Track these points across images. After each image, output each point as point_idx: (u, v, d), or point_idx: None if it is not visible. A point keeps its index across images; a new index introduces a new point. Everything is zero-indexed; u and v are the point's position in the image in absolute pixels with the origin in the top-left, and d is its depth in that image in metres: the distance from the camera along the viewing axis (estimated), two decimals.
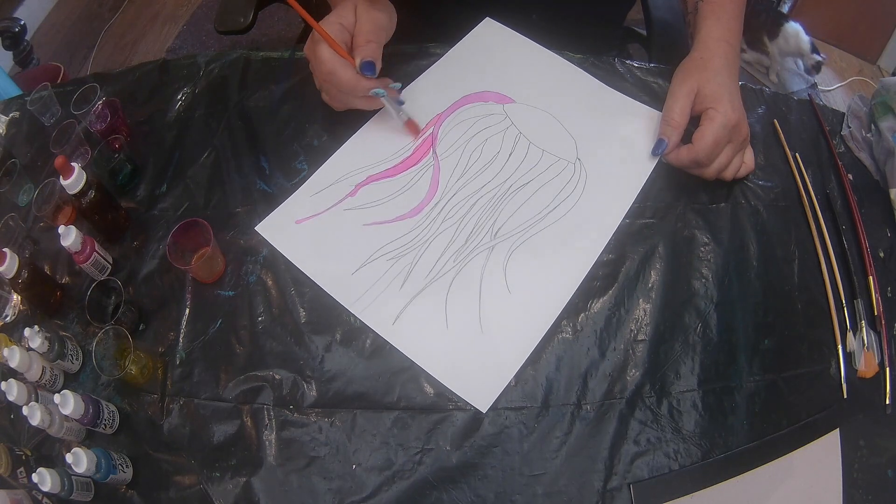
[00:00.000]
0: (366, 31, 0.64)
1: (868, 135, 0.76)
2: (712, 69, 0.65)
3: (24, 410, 0.54)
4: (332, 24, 0.64)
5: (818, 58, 1.77)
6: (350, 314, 0.60)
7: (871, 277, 0.65)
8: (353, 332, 0.60)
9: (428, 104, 0.73)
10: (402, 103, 0.69)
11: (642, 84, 0.75)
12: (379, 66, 0.64)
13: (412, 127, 0.70)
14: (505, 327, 0.59)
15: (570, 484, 0.54)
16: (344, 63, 0.63)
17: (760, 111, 0.77)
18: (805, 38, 1.77)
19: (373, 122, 0.72)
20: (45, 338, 0.58)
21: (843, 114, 0.80)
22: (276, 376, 0.58)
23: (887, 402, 0.60)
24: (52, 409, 0.55)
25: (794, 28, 1.79)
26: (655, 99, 0.73)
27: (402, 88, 0.70)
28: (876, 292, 0.64)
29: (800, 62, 1.87)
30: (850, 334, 0.62)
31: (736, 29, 0.69)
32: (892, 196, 0.71)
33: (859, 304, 0.64)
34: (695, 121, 0.65)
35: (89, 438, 0.59)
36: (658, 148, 0.66)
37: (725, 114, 0.62)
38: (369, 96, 0.65)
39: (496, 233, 0.64)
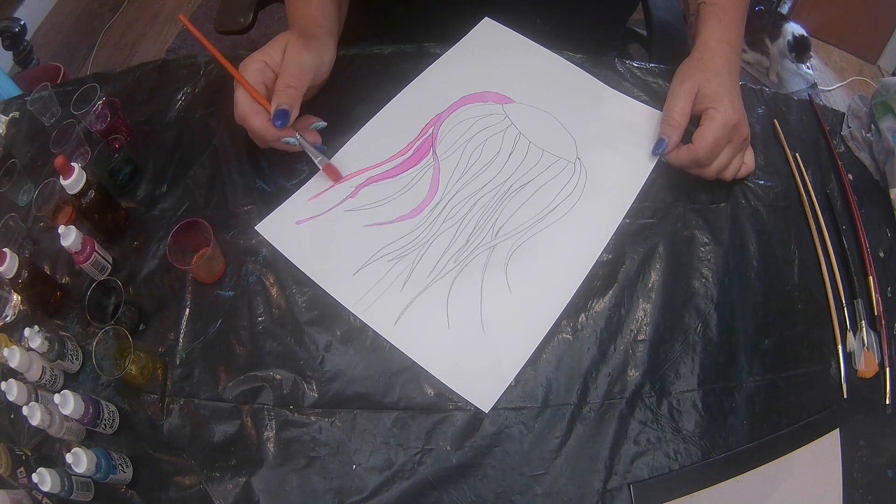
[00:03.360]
0: (288, 74, 0.61)
1: (868, 135, 0.76)
2: (713, 69, 0.65)
3: (24, 410, 0.54)
4: (256, 62, 0.62)
5: (795, 37, 1.76)
6: (350, 314, 0.60)
7: (871, 277, 0.65)
8: (353, 332, 0.60)
9: (427, 104, 0.73)
10: (323, 149, 0.66)
11: (642, 84, 0.76)
12: (295, 113, 0.62)
13: (331, 172, 0.66)
14: (506, 327, 0.59)
15: (570, 484, 0.54)
16: (257, 110, 0.62)
17: (760, 111, 0.77)
18: (798, 30, 1.77)
19: (372, 123, 0.72)
20: (45, 338, 0.58)
21: (843, 114, 0.80)
22: (276, 376, 0.58)
23: (887, 402, 0.60)
24: (52, 409, 0.55)
25: (794, 28, 1.79)
26: (655, 99, 0.73)
27: (326, 127, 0.67)
28: (876, 292, 0.64)
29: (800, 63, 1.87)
30: (850, 334, 0.62)
31: (737, 31, 0.68)
32: (892, 196, 0.71)
33: (859, 304, 0.64)
34: (695, 121, 0.65)
35: (89, 438, 0.59)
36: (658, 147, 0.66)
37: (726, 114, 0.62)
38: (286, 143, 0.63)
39: (497, 233, 0.64)
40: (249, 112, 0.62)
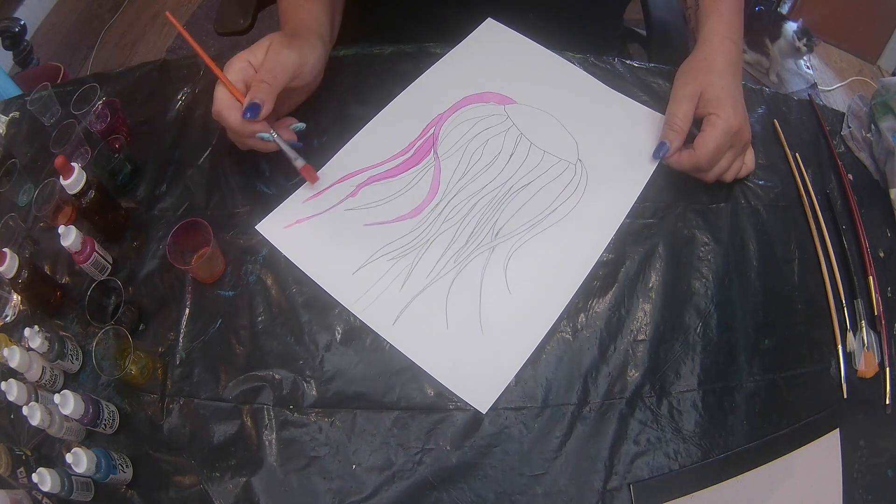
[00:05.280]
0: (264, 70, 0.61)
1: (868, 135, 0.76)
2: (716, 71, 0.65)
3: (24, 410, 0.54)
4: (240, 61, 0.62)
5: (798, 30, 1.76)
6: (350, 314, 0.60)
7: (871, 277, 0.65)
8: (353, 332, 0.60)
9: (429, 104, 0.73)
10: (299, 145, 0.65)
11: (642, 84, 0.76)
12: (267, 108, 0.60)
13: (308, 173, 0.65)
14: (505, 328, 0.59)
15: (570, 484, 0.54)
16: (232, 104, 0.61)
17: (760, 111, 0.77)
18: (794, 26, 1.78)
19: (373, 123, 0.72)
20: (45, 338, 0.58)
21: (843, 114, 0.80)
22: (276, 376, 0.58)
23: (887, 402, 0.60)
24: (52, 409, 0.55)
25: (794, 28, 1.79)
26: (655, 98, 0.73)
27: (305, 129, 0.66)
28: (876, 292, 0.64)
29: (801, 62, 1.87)
30: (850, 334, 0.62)
31: (738, 24, 0.68)
32: (892, 196, 0.71)
33: (859, 304, 0.64)
34: (696, 123, 0.65)
35: (89, 438, 0.59)
36: (659, 151, 0.66)
37: (728, 120, 0.62)
38: (260, 139, 0.62)
39: (497, 233, 0.64)
40: (225, 107, 0.61)
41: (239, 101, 0.61)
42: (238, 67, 0.62)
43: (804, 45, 1.78)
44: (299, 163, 0.64)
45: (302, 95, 0.69)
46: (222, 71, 0.62)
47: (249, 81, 0.62)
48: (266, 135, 0.62)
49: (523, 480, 0.54)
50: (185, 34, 0.64)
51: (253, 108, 0.59)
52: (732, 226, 0.66)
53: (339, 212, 0.66)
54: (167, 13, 0.67)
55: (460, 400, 0.56)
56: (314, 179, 0.66)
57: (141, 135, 0.76)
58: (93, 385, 0.61)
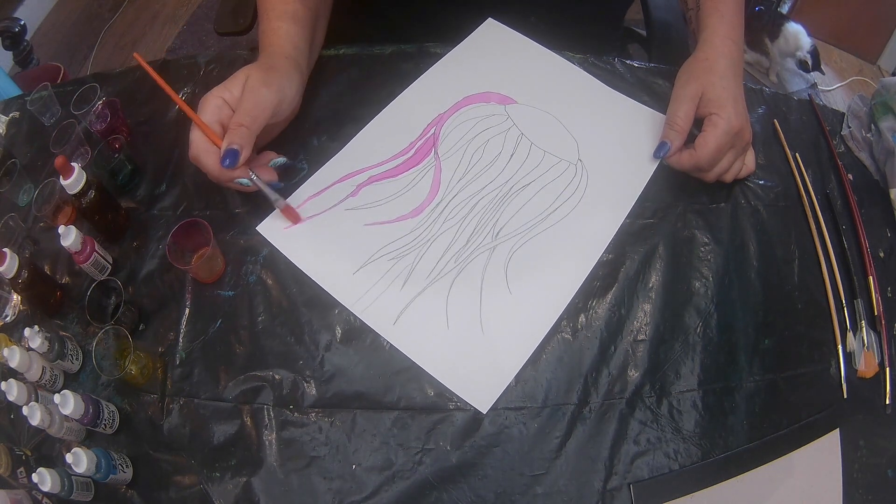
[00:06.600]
0: (242, 112, 0.59)
1: (868, 135, 0.76)
2: (718, 72, 0.65)
3: (24, 410, 0.54)
4: (214, 99, 0.60)
5: (807, 56, 1.76)
6: (350, 314, 0.60)
7: (871, 277, 0.65)
8: (354, 332, 0.60)
9: (430, 104, 0.73)
10: (279, 185, 0.64)
11: (642, 84, 0.76)
12: (246, 153, 0.58)
13: (289, 214, 0.64)
14: (505, 328, 0.59)
15: (570, 484, 0.54)
16: (209, 149, 0.59)
17: (760, 111, 0.77)
18: (807, 40, 1.77)
19: (374, 123, 0.72)
20: (45, 338, 0.58)
21: (843, 114, 0.80)
22: (276, 376, 0.58)
23: (887, 402, 0.60)
24: (52, 409, 0.55)
25: (794, 28, 1.79)
26: (655, 99, 0.74)
27: (285, 164, 0.65)
28: (876, 292, 0.64)
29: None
30: (850, 334, 0.62)
31: (739, 24, 0.68)
32: (892, 196, 0.71)
33: (859, 304, 0.64)
34: (697, 123, 0.65)
35: (89, 438, 0.59)
36: (660, 151, 0.66)
37: (729, 120, 0.62)
38: (239, 183, 0.61)
39: (497, 233, 0.64)
40: (202, 152, 0.59)
41: (216, 144, 0.59)
42: (213, 106, 0.60)
43: (807, 67, 1.79)
44: (280, 203, 0.63)
45: (279, 128, 0.68)
46: (197, 109, 0.60)
47: (226, 122, 0.60)
48: (245, 180, 0.60)
49: (523, 480, 0.54)
50: (153, 73, 0.63)
51: (231, 155, 0.57)
52: (732, 226, 0.66)
53: (340, 211, 0.66)
54: (135, 54, 0.65)
55: (460, 400, 0.56)
56: (296, 220, 0.65)
57: (141, 135, 0.76)
58: (93, 385, 0.61)
